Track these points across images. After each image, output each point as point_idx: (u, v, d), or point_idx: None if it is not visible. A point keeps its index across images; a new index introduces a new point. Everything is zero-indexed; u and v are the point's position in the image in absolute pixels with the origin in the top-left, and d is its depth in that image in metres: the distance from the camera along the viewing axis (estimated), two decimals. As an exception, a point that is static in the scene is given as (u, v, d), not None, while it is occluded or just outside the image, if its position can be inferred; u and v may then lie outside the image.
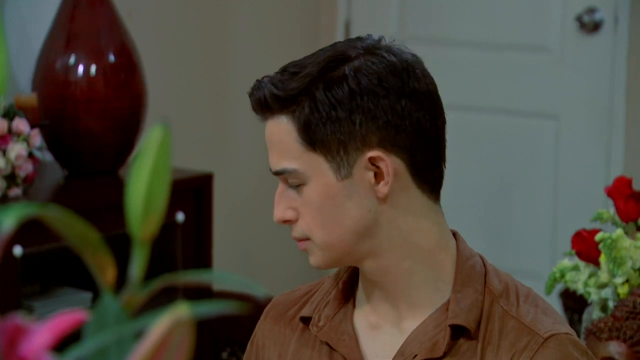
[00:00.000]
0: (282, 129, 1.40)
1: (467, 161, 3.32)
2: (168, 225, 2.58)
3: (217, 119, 3.33)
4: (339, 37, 3.58)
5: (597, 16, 3.11)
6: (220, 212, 3.03)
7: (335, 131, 1.38)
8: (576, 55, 3.20)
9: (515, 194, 3.34)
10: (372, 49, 1.41)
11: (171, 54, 3.21)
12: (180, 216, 2.61)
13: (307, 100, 1.38)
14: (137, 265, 0.66)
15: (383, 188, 1.39)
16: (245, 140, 3.31)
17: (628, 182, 1.97)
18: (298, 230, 1.43)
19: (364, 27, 3.50)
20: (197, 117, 3.29)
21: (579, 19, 3.13)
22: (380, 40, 1.43)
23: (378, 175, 1.40)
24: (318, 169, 1.39)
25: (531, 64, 3.28)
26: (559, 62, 3.23)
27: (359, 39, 1.44)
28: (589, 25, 3.13)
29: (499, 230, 3.35)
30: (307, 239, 1.42)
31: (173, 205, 2.60)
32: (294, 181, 1.41)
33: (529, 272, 3.06)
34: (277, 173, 1.42)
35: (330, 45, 1.43)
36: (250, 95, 1.43)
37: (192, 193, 2.67)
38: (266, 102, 1.40)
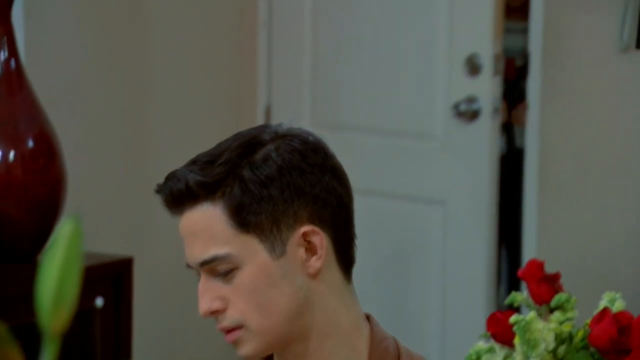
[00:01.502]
0: (207, 216, 1.38)
1: (357, 245, 3.34)
2: (87, 311, 2.56)
3: (137, 204, 3.32)
4: (260, 122, 3.62)
5: (475, 105, 3.15)
6: (141, 297, 3.01)
7: (269, 209, 1.37)
8: (458, 143, 3.24)
9: (406, 279, 3.36)
10: (283, 132, 1.42)
11: (91, 139, 3.21)
12: (99, 301, 2.59)
13: (236, 182, 1.37)
14: (47, 359, 0.67)
15: (316, 263, 1.40)
16: (166, 224, 3.30)
17: (540, 265, 2.01)
18: (229, 319, 1.39)
19: (283, 113, 3.56)
20: (117, 202, 3.28)
21: (456, 107, 3.17)
22: (281, 125, 1.44)
23: (308, 251, 1.40)
24: (252, 251, 1.38)
25: (421, 150, 3.33)
26: (444, 149, 3.27)
27: (263, 126, 1.46)
28: (467, 114, 3.17)
29: (390, 315, 3.37)
30: (239, 327, 1.39)
31: (92, 291, 2.58)
32: (224, 267, 1.38)
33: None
34: (205, 263, 1.38)
35: (234, 136, 1.43)
36: (163, 189, 1.40)
37: (112, 278, 2.65)
38: (189, 191, 1.38)
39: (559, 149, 3.28)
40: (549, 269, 2.01)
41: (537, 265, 1.98)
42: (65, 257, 0.65)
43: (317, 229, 1.39)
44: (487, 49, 3.09)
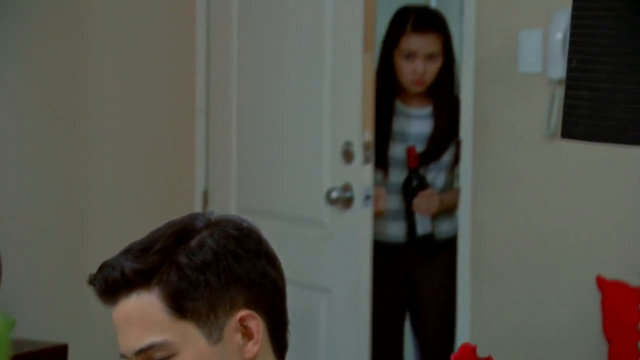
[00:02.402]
0: (143, 304, 1.38)
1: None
2: (21, 399, 2.54)
3: (72, 290, 3.30)
4: (197, 205, 3.65)
5: (348, 193, 3.11)
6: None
7: (205, 295, 1.37)
8: (341, 230, 3.21)
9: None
10: (215, 219, 1.44)
11: (25, 225, 3.19)
12: (33, 389, 2.57)
13: (172, 269, 1.37)
14: None
15: (253, 347, 1.39)
16: (101, 311, 3.28)
17: (473, 350, 2.04)
18: None
19: (220, 197, 3.59)
20: (52, 289, 3.25)
21: (328, 194, 3.13)
22: (212, 212, 1.46)
23: (245, 336, 1.40)
24: (190, 337, 1.37)
25: (311, 237, 3.31)
26: (330, 236, 3.24)
27: (195, 214, 1.47)
28: (341, 201, 3.13)
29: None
30: None
31: (26, 378, 2.56)
32: (161, 354, 1.38)
33: None
34: (142, 351, 1.38)
35: (166, 224, 1.43)
36: (97, 278, 1.40)
37: (47, 365, 2.64)
38: (124, 280, 1.38)
39: (490, 233, 3.32)
40: (481, 352, 2.04)
41: (470, 350, 2.01)
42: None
43: (253, 313, 1.39)
44: (358, 137, 3.07)
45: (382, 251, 3.29)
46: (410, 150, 3.22)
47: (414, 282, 3.38)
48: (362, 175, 3.04)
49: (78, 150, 3.33)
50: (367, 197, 3.03)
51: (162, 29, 3.55)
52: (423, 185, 3.23)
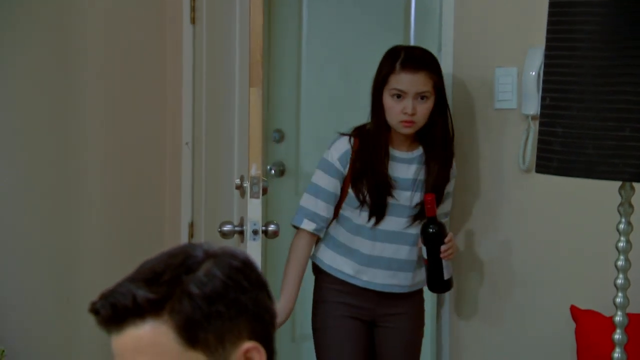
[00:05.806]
0: (153, 333, 1.36)
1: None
2: None
3: (61, 322, 3.29)
4: (184, 236, 3.69)
5: (239, 228, 2.98)
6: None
7: (217, 326, 1.36)
8: None
9: None
10: (212, 250, 1.43)
11: (14, 259, 3.17)
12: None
13: (184, 298, 1.36)
14: None
15: None
16: (89, 342, 3.30)
17: None
18: None
19: (203, 229, 3.64)
20: (41, 319, 3.24)
21: (220, 229, 3.02)
22: (205, 243, 1.46)
23: None
24: None
25: None
26: None
27: (188, 245, 1.46)
28: (230, 235, 3.02)
29: None
30: None
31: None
32: None
33: None
34: None
35: (166, 255, 1.42)
36: (103, 305, 1.37)
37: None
38: (135, 307, 1.36)
39: (468, 264, 3.35)
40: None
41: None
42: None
43: (258, 345, 1.40)
44: (246, 172, 2.94)
45: (345, 290, 3.12)
46: (428, 199, 2.99)
47: (381, 328, 3.14)
48: (250, 209, 2.93)
49: (69, 179, 3.32)
50: (255, 232, 2.90)
51: (153, 66, 3.62)
52: (443, 232, 3.02)
